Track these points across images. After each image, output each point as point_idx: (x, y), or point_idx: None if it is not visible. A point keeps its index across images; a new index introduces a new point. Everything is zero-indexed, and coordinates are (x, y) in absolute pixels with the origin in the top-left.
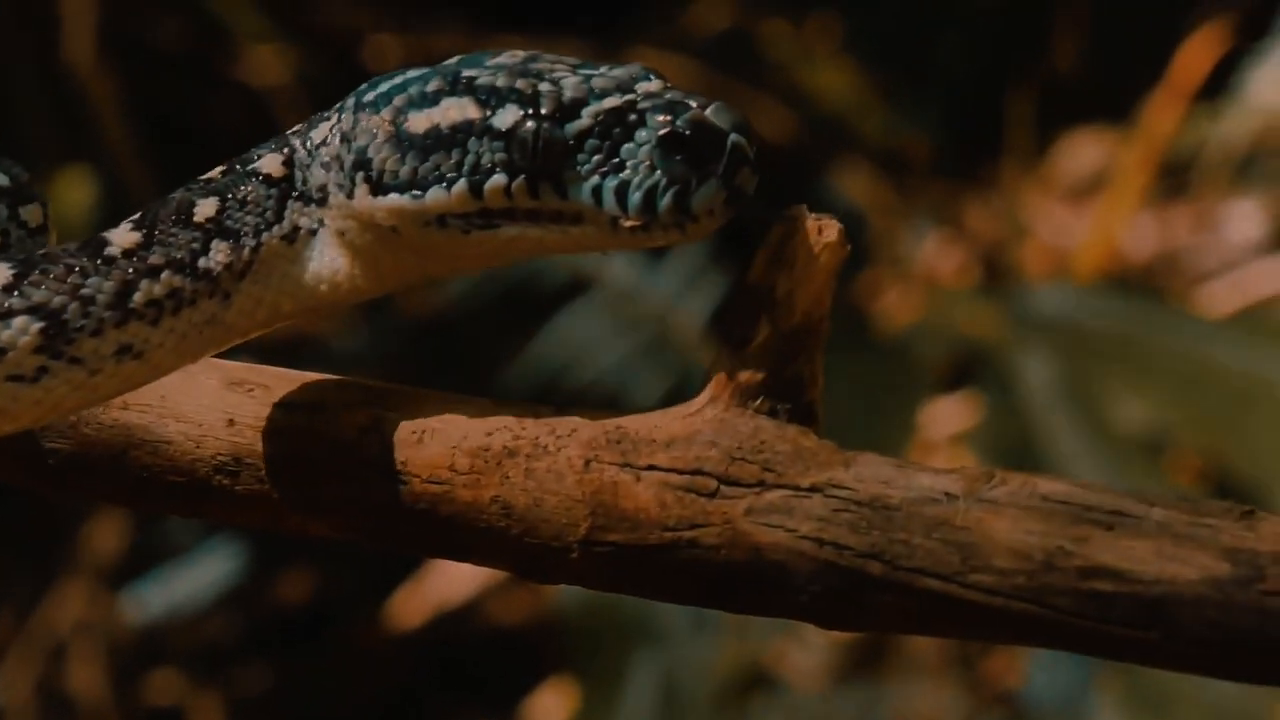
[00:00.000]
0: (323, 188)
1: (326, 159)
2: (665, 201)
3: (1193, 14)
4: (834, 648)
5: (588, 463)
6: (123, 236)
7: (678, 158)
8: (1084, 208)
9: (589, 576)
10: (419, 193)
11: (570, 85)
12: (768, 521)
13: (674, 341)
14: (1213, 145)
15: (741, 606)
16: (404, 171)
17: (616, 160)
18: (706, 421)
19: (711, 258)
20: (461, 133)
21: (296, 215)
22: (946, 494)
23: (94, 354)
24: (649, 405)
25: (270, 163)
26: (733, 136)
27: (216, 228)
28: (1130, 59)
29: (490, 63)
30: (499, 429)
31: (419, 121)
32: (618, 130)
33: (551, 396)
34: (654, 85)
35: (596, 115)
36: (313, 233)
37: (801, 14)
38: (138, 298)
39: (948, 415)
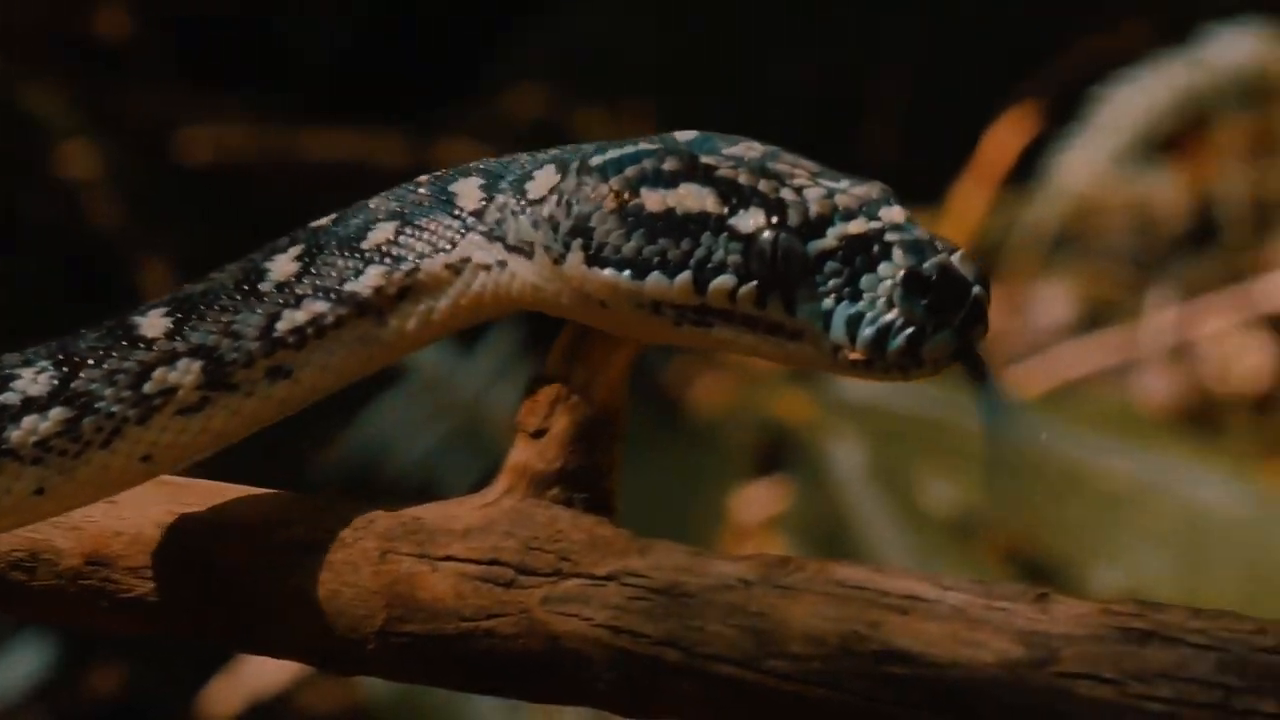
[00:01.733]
0: (528, 244)
1: (538, 217)
2: (897, 343)
3: (1002, 98)
4: None
5: (384, 554)
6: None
7: (919, 301)
8: None
9: (387, 667)
10: (639, 274)
11: (815, 199)
12: (564, 610)
13: (486, 429)
14: (1021, 228)
15: (539, 695)
16: (627, 249)
17: (853, 288)
18: (503, 511)
19: (523, 345)
20: (696, 223)
21: (473, 249)
22: (742, 580)
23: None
24: (462, 493)
25: (468, 188)
26: (975, 289)
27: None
28: (940, 143)
29: (727, 152)
30: (298, 520)
31: (653, 200)
32: (860, 258)
33: (366, 484)
34: (897, 214)
35: (841, 238)
36: (499, 266)
37: (615, 99)
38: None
39: (759, 500)
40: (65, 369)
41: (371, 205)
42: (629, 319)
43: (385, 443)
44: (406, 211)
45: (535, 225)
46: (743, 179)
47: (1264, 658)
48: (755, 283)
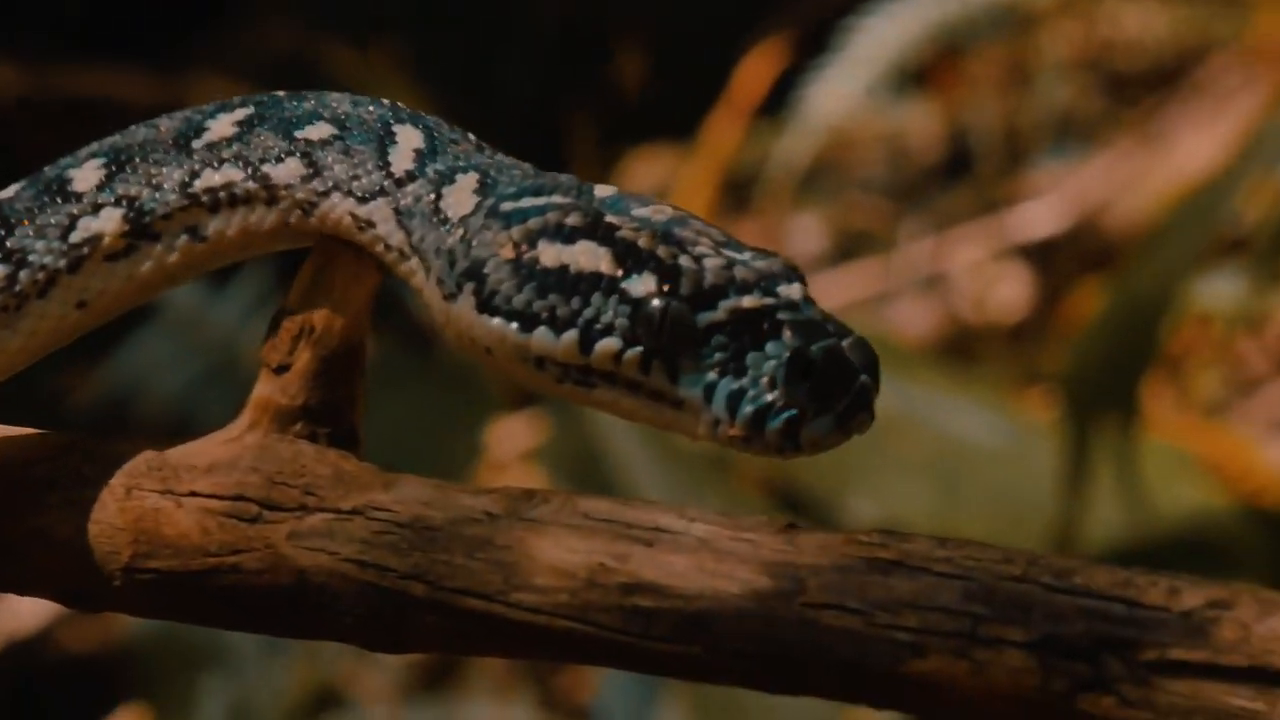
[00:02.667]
0: (426, 259)
1: (441, 244)
2: (776, 424)
3: (753, 31)
4: (405, 667)
5: (129, 491)
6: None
7: (802, 384)
8: None
9: (134, 604)
10: (526, 327)
11: (712, 269)
12: (310, 545)
13: (241, 366)
14: (774, 161)
15: (286, 630)
16: (517, 300)
17: (738, 364)
18: (247, 447)
19: (277, 281)
20: (589, 283)
21: (379, 216)
22: (488, 513)
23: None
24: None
25: (408, 142)
26: (862, 377)
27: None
28: (691, 77)
29: (636, 213)
30: (40, 459)
31: (549, 254)
32: (749, 334)
33: (120, 422)
34: (795, 292)
35: (732, 311)
36: (402, 256)
37: (365, 37)
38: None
39: (515, 434)
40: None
41: (332, 102)
42: (512, 369)
43: (138, 380)
44: (347, 129)
45: (436, 252)
46: (642, 242)
47: (1010, 586)
48: (640, 348)
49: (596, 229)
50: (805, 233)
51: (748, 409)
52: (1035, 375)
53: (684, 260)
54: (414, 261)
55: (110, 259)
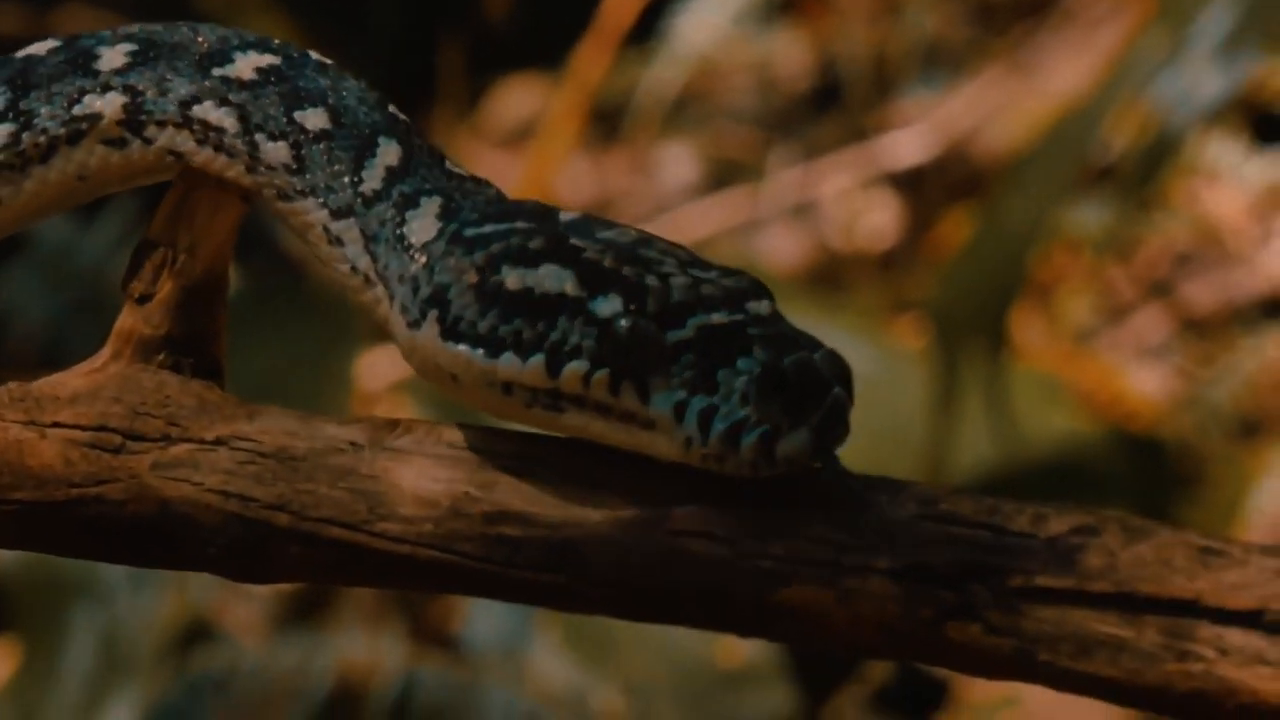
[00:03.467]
0: (390, 285)
1: (405, 271)
2: (749, 440)
3: None
4: (277, 598)
5: None
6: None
7: (775, 399)
8: (519, 154)
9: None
10: (492, 352)
11: (679, 287)
12: (173, 475)
13: (108, 298)
14: (643, 90)
15: (151, 561)
16: (482, 325)
17: (709, 381)
18: (110, 377)
19: (143, 214)
20: (554, 305)
21: (349, 238)
22: (352, 443)
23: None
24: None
25: (378, 169)
26: (836, 390)
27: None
28: (559, 6)
29: (600, 235)
30: None
31: (513, 278)
32: (719, 350)
33: None
34: (764, 308)
35: (700, 328)
36: (368, 282)
37: None
38: None
39: (385, 365)
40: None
41: (341, 89)
42: (479, 396)
43: (5, 314)
44: (337, 105)
45: (400, 279)
46: (607, 263)
47: (877, 514)
48: (609, 369)
49: (560, 251)
50: (674, 162)
51: (720, 426)
52: (905, 303)
53: (650, 279)
54: (378, 289)
55: (106, 143)
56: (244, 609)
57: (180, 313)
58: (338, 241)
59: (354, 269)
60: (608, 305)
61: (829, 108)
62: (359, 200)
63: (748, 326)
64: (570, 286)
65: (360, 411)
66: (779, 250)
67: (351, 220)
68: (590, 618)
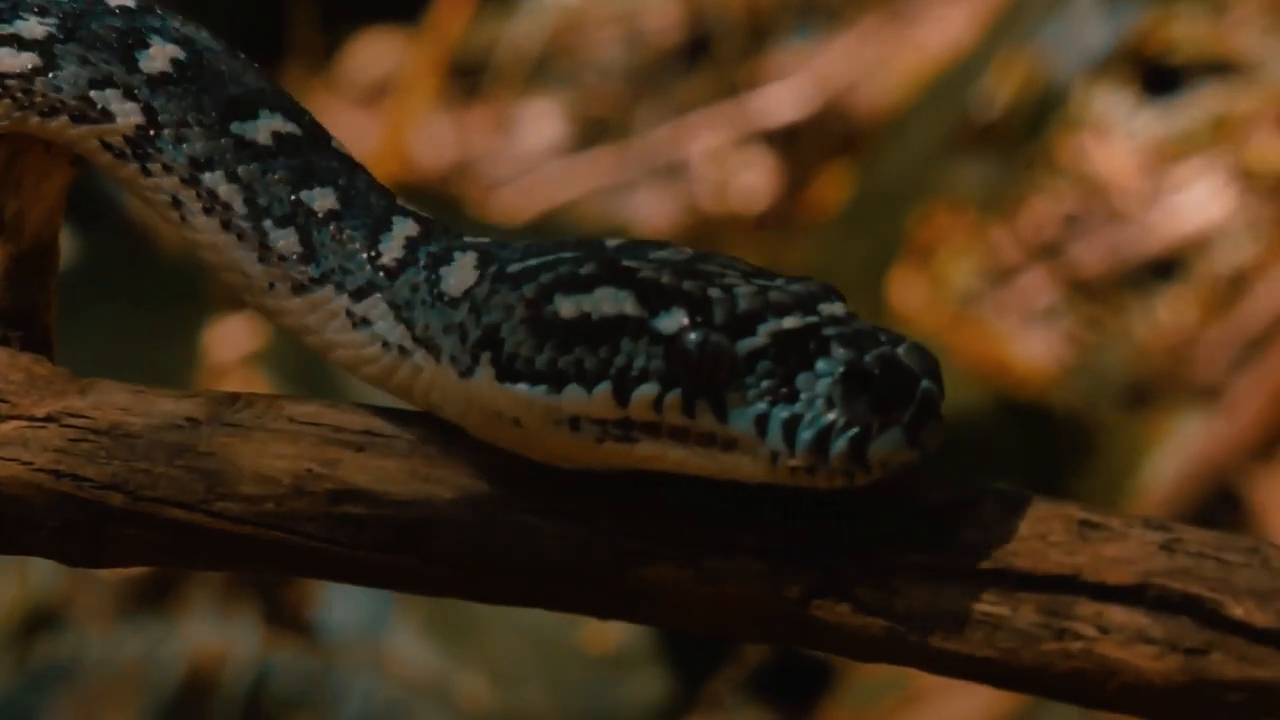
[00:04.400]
0: (437, 346)
1: (450, 321)
2: (840, 445)
3: None
4: (123, 584)
5: None
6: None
7: (861, 399)
8: (377, 113)
9: None
10: (555, 387)
11: (745, 296)
12: (2, 454)
13: None
14: (506, 44)
15: None
16: (540, 361)
17: (789, 389)
18: None
19: None
20: (615, 329)
21: (376, 314)
22: (189, 419)
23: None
24: None
25: (396, 240)
26: (924, 383)
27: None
28: None
29: (654, 255)
30: None
31: (567, 307)
32: (795, 356)
33: None
34: (838, 309)
35: (773, 335)
36: (403, 353)
37: None
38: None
39: (236, 337)
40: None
41: (342, 172)
42: (546, 438)
43: None
44: (348, 204)
45: (445, 331)
46: (665, 280)
47: (743, 489)
48: (680, 389)
49: (614, 273)
50: (539, 121)
51: (807, 434)
52: (780, 264)
53: (712, 291)
54: (417, 355)
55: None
56: (89, 595)
57: (8, 283)
58: (364, 322)
59: (386, 344)
60: (671, 321)
61: (700, 62)
62: (380, 274)
63: (823, 327)
64: (630, 307)
65: (210, 386)
66: (649, 212)
67: (374, 296)
68: (454, 600)
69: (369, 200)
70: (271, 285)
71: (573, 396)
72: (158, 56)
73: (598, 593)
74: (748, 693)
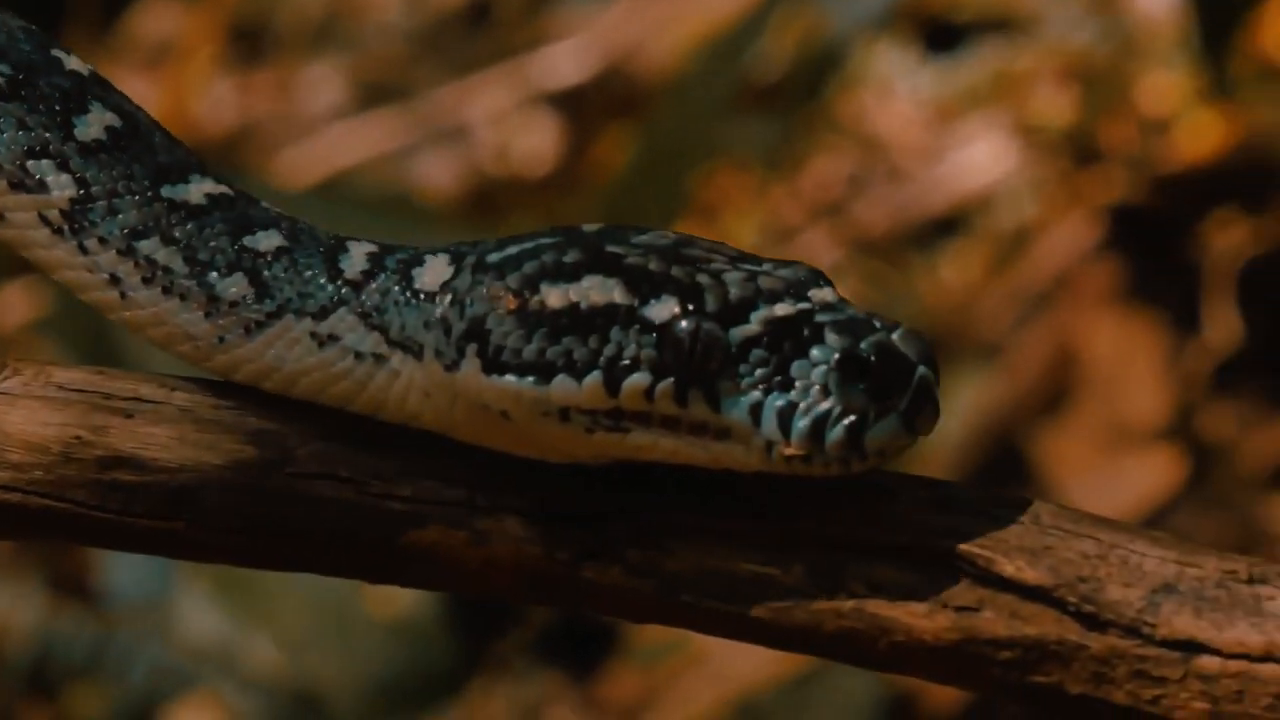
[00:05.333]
0: (416, 344)
1: (430, 316)
2: (836, 434)
3: None
4: None
5: None
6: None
7: (858, 386)
8: (158, 76)
9: None
10: (543, 378)
11: (735, 282)
12: None
13: None
14: (287, 9)
15: None
16: (528, 352)
17: (783, 377)
18: None
19: None
20: (604, 318)
21: (343, 328)
22: None
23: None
24: None
25: (357, 258)
26: (920, 369)
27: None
28: None
29: (637, 240)
30: None
31: (554, 296)
32: (789, 343)
33: None
34: (828, 294)
35: (766, 322)
36: (378, 360)
37: None
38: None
39: (19, 304)
40: None
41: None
42: (534, 431)
43: None
44: (295, 240)
45: (426, 326)
46: (653, 265)
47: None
48: (672, 379)
49: (600, 260)
50: (321, 84)
51: (802, 423)
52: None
53: (702, 277)
54: (395, 358)
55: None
56: None
57: None
58: (330, 339)
59: (358, 355)
60: (663, 309)
61: (482, 23)
62: (346, 288)
63: (815, 314)
64: (619, 295)
65: None
66: (432, 176)
67: (340, 311)
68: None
69: (316, 235)
70: (221, 339)
71: (562, 387)
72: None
73: (369, 556)
74: (534, 656)
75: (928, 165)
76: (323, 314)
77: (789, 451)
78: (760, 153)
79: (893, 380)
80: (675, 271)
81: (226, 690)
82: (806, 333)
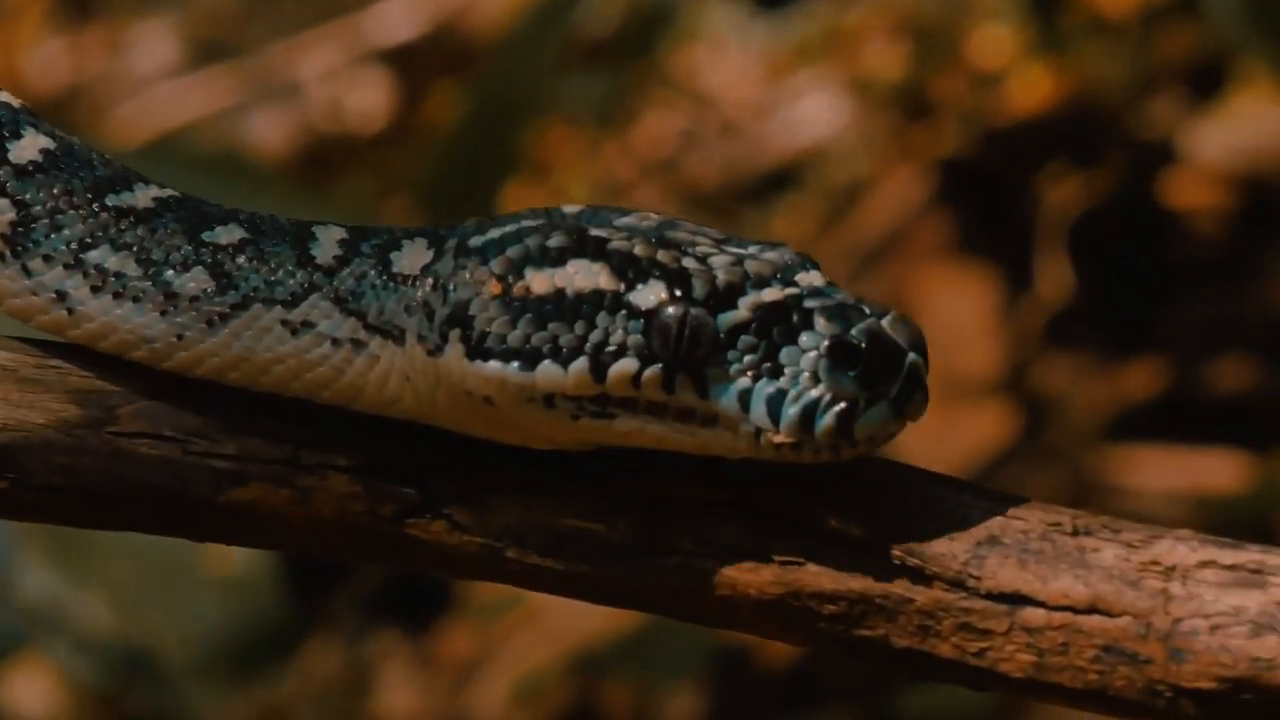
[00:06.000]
0: (397, 329)
1: (411, 300)
2: (826, 421)
3: None
4: None
5: None
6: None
7: (848, 373)
8: None
9: None
10: (528, 364)
11: (722, 267)
12: None
13: None
14: None
15: None
16: (513, 338)
17: (772, 364)
18: None
19: None
20: (590, 303)
21: (317, 315)
22: None
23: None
24: None
25: (328, 244)
26: (910, 356)
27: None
28: None
29: (619, 223)
30: None
31: (540, 282)
32: (778, 329)
33: None
34: (815, 278)
35: (755, 308)
36: (355, 346)
37: None
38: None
39: None
40: None
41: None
42: (518, 417)
43: None
44: (258, 231)
45: (408, 311)
46: (639, 250)
47: (326, 411)
48: (660, 365)
49: (585, 245)
50: (152, 41)
51: (792, 410)
52: (396, 186)
53: (688, 262)
54: (373, 344)
55: None
56: None
57: None
58: (305, 326)
59: (335, 341)
60: (650, 294)
61: None
62: (317, 273)
63: (804, 299)
64: (605, 280)
65: None
66: (264, 134)
67: (312, 297)
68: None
69: (279, 223)
70: (180, 336)
71: (547, 373)
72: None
73: (192, 515)
74: (370, 613)
75: (760, 120)
76: (294, 301)
77: (778, 439)
78: (592, 109)
79: (883, 367)
80: (661, 256)
81: (59, 650)
82: (795, 318)
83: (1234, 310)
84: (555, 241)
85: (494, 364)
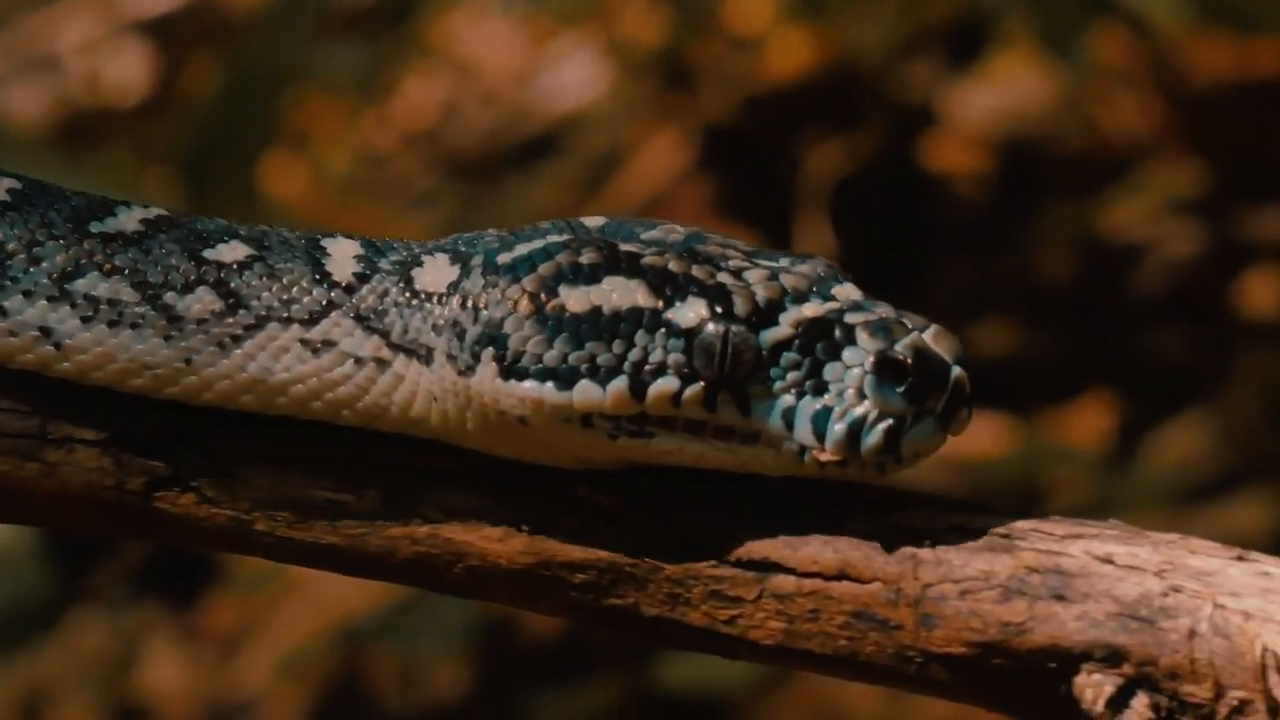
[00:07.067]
0: (424, 348)
1: (438, 319)
2: (873, 438)
3: None
4: None
5: None
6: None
7: (894, 389)
8: None
9: None
10: (565, 384)
11: (760, 282)
12: None
13: None
14: None
15: None
16: (549, 357)
17: (815, 380)
18: None
19: None
20: (628, 321)
21: (338, 333)
22: None
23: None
24: None
25: (343, 259)
26: (955, 370)
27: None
28: None
29: (647, 237)
30: None
31: (575, 299)
32: (821, 345)
33: None
34: (851, 291)
35: (796, 324)
36: (379, 365)
37: None
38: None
39: None
40: None
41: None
42: (553, 437)
43: None
44: (263, 246)
45: (435, 330)
46: (674, 266)
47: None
48: (701, 383)
49: (619, 261)
50: None
51: (838, 427)
52: (155, 157)
53: (724, 277)
54: (397, 362)
55: None
56: None
57: None
58: (325, 345)
59: (358, 360)
60: (689, 312)
61: None
62: (336, 291)
63: (845, 314)
64: (643, 297)
65: None
66: (21, 106)
67: (333, 315)
68: None
69: (283, 236)
70: (188, 360)
71: (585, 393)
72: None
73: None
74: (133, 586)
75: (521, 88)
76: (313, 319)
77: (824, 457)
78: (352, 79)
79: (929, 382)
80: (696, 271)
81: None
82: (838, 334)
83: (995, 273)
84: (588, 258)
85: (529, 384)
